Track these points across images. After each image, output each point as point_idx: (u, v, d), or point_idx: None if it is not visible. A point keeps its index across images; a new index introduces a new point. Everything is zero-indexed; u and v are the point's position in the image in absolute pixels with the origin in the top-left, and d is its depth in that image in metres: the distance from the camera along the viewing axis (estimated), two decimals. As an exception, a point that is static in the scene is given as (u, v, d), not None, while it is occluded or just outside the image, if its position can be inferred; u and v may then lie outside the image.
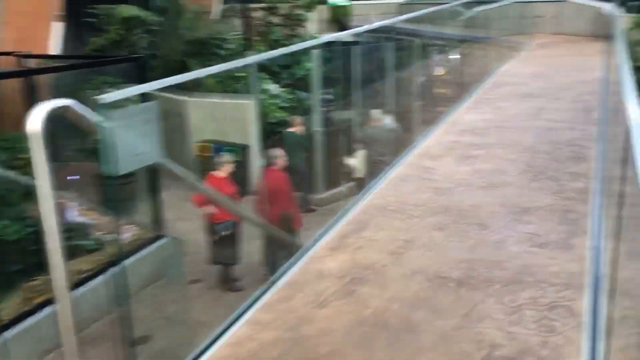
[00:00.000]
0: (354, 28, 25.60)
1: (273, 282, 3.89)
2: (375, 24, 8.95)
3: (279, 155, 7.09)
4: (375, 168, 7.56)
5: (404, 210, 4.94)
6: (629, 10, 14.74)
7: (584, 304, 3.40)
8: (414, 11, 24.27)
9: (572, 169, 5.75)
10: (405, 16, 12.49)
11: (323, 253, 4.27)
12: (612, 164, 5.53)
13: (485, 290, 3.62)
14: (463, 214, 4.80)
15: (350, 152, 10.12)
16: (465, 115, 8.30)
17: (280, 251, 6.09)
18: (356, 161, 9.82)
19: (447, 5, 12.99)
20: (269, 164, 6.97)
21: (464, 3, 13.94)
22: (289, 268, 4.10)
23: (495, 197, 5.15)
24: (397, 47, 12.33)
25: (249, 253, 7.07)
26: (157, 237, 7.24)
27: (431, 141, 7.09)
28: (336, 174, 10.71)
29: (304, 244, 4.58)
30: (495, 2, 17.22)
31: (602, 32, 16.62)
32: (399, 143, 8.11)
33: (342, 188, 10.41)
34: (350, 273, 3.90)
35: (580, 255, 3.99)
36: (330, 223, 4.81)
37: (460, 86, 9.85)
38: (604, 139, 6.59)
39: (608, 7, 16.42)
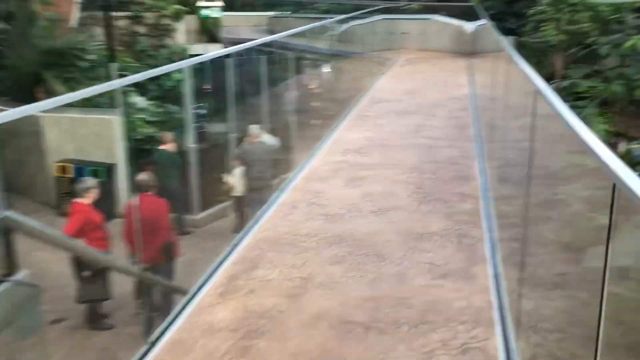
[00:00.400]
0: (224, 39, 25.00)
1: (153, 343, 3.29)
2: (262, 39, 8.54)
3: (151, 179, 6.35)
4: (257, 186, 7.11)
5: (296, 243, 4.55)
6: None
7: (497, 343, 3.22)
8: (284, 24, 24.31)
9: (459, 189, 5.74)
10: (288, 32, 12.12)
11: (211, 300, 3.74)
12: (496, 183, 5.60)
13: (394, 334, 3.32)
14: (359, 244, 4.51)
15: (227, 170, 9.56)
16: (347, 133, 8.14)
17: (159, 298, 5.38)
18: (234, 179, 9.29)
19: (323, 22, 12.94)
20: (141, 189, 6.21)
21: (335, 18, 14.05)
22: (171, 322, 3.51)
23: (388, 222, 4.93)
24: (271, 60, 11.98)
25: (120, 283, 6.25)
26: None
27: (317, 161, 6.80)
28: (213, 193, 10.08)
29: (188, 288, 4.00)
30: (364, 18, 17.68)
31: (463, 49, 17.67)
32: (282, 162, 7.73)
33: (220, 207, 9.80)
34: (244, 324, 3.42)
35: (483, 285, 3.86)
36: (217, 261, 4.28)
37: (339, 102, 9.74)
38: (483, 156, 6.73)
39: (468, 26, 17.52)
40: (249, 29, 26.34)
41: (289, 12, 25.90)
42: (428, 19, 18.83)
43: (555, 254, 4.04)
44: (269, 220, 5.08)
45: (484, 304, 3.65)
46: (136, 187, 6.31)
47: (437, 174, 6.22)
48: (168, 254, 5.87)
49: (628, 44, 6.78)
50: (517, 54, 5.08)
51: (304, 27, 11.86)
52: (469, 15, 18.50)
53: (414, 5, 20.17)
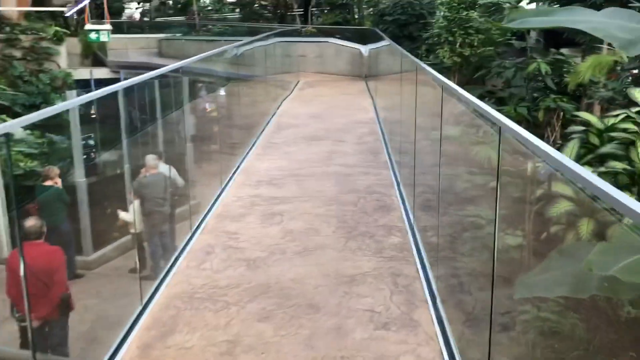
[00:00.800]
0: (111, 62, 23.58)
1: None
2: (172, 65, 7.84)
3: (40, 224, 5.47)
4: (157, 223, 6.44)
5: (216, 297, 3.99)
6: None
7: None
8: (175, 47, 23.38)
9: (383, 220, 5.46)
10: (196, 57, 11.40)
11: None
12: (419, 211, 5.37)
13: (343, 405, 2.89)
14: (287, 293, 4.05)
15: (122, 205, 8.69)
16: (257, 162, 7.67)
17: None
18: (130, 215, 8.45)
19: (227, 46, 12.42)
20: (29, 236, 5.32)
21: (232, 41, 13.55)
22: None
23: (316, 265, 4.52)
24: (165, 84, 11.31)
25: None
26: None
27: (228, 196, 6.26)
28: (106, 231, 9.15)
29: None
30: (262, 41, 17.35)
31: (360, 72, 17.87)
32: (187, 197, 7.09)
33: (115, 246, 8.89)
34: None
35: (429, 334, 3.54)
36: (125, 326, 3.62)
37: (245, 129, 9.24)
38: (399, 182, 6.54)
39: (364, 49, 17.75)
40: (137, 51, 25.09)
41: (180, 35, 25.01)
42: (325, 41, 18.90)
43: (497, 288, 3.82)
44: (180, 271, 4.47)
45: (434, 355, 3.33)
46: (22, 234, 5.40)
47: (357, 205, 5.91)
48: (66, 308, 5.05)
49: (532, 67, 6.96)
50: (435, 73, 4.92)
51: (211, 51, 11.27)
52: (364, 38, 18.80)
53: (310, 28, 20.18)
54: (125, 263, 7.54)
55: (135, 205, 8.42)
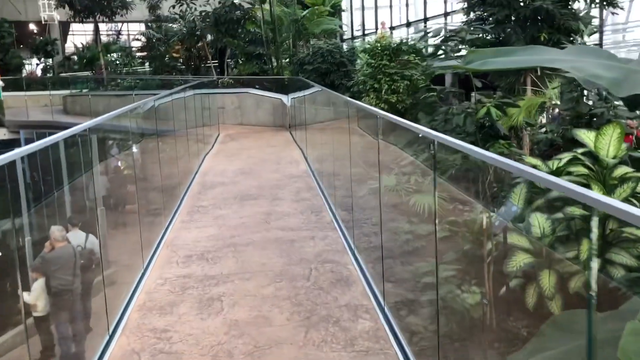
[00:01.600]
0: (9, 121, 21.63)
1: None
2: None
3: None
4: (65, 305, 5.27)
5: None
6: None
7: None
8: (82, 103, 21.82)
9: (344, 298, 4.60)
10: (106, 116, 10.25)
11: None
12: (388, 285, 4.58)
13: None
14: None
15: (24, 285, 7.30)
16: (183, 232, 6.61)
17: None
18: (34, 296, 7.09)
19: (141, 101, 11.40)
20: None
21: (144, 94, 12.51)
22: None
23: (275, 370, 3.56)
24: (72, 143, 10.16)
25: None
26: None
27: (152, 279, 5.17)
28: (6, 315, 7.67)
29: None
30: (179, 93, 16.34)
31: (283, 122, 17.23)
32: (100, 282, 5.90)
33: (15, 333, 7.42)
34: None
35: None
36: None
37: (165, 191, 8.16)
38: (352, 247, 5.73)
39: (286, 98, 17.18)
40: (40, 109, 23.24)
41: (86, 90, 23.46)
42: (244, 92, 18.20)
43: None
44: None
45: None
46: None
47: (310, 279, 5.02)
48: None
49: (482, 111, 6.54)
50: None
51: (122, 108, 10.20)
52: (285, 87, 18.29)
53: (227, 79, 19.45)
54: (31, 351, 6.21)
55: (38, 284, 7.10)
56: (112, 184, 9.29)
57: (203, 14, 20.30)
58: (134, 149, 11.86)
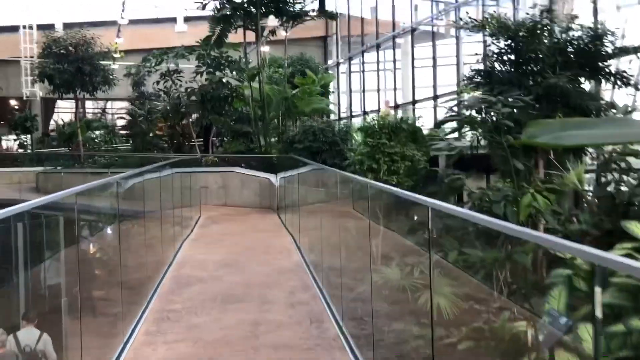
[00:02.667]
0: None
1: None
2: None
3: None
4: None
5: None
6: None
7: None
8: (56, 181, 20.45)
9: None
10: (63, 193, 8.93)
11: None
12: None
13: None
14: None
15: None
16: (146, 350, 5.11)
17: None
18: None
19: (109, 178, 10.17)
20: None
21: (122, 172, 11.22)
22: None
23: None
24: (35, 225, 8.90)
25: None
26: None
27: None
28: None
29: None
30: (157, 171, 15.08)
31: (271, 203, 15.95)
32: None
33: None
34: None
35: None
36: None
37: (129, 289, 6.71)
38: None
39: (273, 178, 16.00)
40: (9, 187, 21.79)
41: (60, 168, 22.14)
42: (229, 171, 17.02)
43: None
44: None
45: None
46: None
47: None
48: None
49: (526, 199, 5.36)
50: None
51: (82, 186, 8.86)
52: (273, 166, 17.19)
53: (212, 157, 18.32)
54: None
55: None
56: (75, 278, 7.78)
57: (189, 90, 19.46)
58: (105, 231, 10.45)
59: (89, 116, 33.37)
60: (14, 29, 32.40)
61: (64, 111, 37.45)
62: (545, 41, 10.42)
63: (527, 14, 10.91)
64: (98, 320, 6.17)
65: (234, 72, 19.39)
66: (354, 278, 6.42)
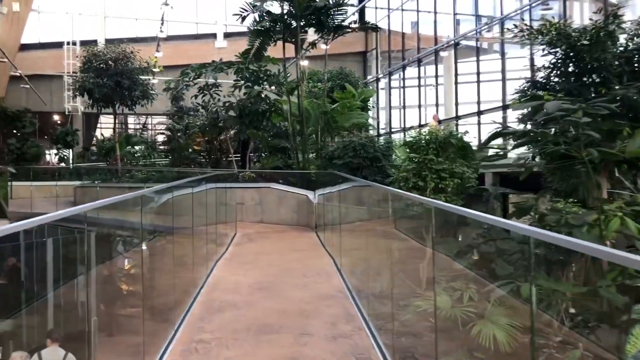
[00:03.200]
0: (12, 213, 20.16)
1: None
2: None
3: None
4: None
5: None
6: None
7: None
8: (93, 195, 20.34)
9: None
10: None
11: None
12: None
13: None
14: None
15: None
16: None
17: None
18: None
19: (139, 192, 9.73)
20: None
21: (146, 189, 10.76)
22: None
23: None
24: (66, 241, 8.64)
25: None
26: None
27: None
28: None
29: None
30: (191, 187, 14.64)
31: (307, 221, 15.32)
32: None
33: None
34: None
35: None
36: None
37: (152, 316, 6.13)
38: None
39: (311, 195, 15.38)
40: (48, 201, 21.81)
41: (97, 182, 22.05)
42: (266, 187, 16.48)
43: None
44: None
45: None
46: None
47: None
48: None
49: (614, 223, 4.57)
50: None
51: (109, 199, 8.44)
52: (311, 182, 16.58)
53: (249, 172, 17.85)
54: None
55: None
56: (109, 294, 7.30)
57: (227, 104, 19.08)
58: (134, 255, 9.98)
59: (131, 132, 33.62)
60: (58, 45, 33.02)
61: (106, 126, 37.91)
62: (610, 49, 9.55)
63: (591, 19, 10.07)
64: (118, 349, 5.59)
65: (273, 87, 18.96)
66: (406, 307, 5.69)
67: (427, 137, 11.31)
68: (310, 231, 14.29)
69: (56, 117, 35.44)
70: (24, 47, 33.72)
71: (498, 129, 13.50)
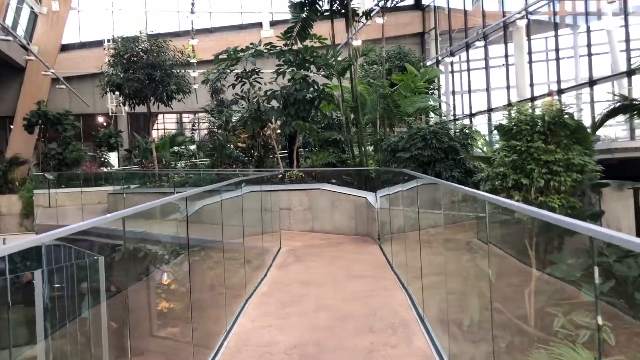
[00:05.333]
0: (39, 225, 18.31)
1: None
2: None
3: None
4: None
5: None
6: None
7: None
8: (126, 202, 18.15)
9: None
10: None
11: None
12: None
13: None
14: None
15: None
16: None
17: None
18: None
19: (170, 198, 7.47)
20: None
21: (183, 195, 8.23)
22: None
23: None
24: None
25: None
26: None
27: None
28: None
29: None
30: (229, 191, 12.05)
31: (367, 230, 12.47)
32: None
33: None
34: None
35: None
36: None
37: None
38: None
39: (371, 197, 12.52)
40: (82, 209, 19.94)
41: (135, 187, 19.91)
42: (316, 188, 13.72)
43: None
44: None
45: None
46: None
47: None
48: None
49: None
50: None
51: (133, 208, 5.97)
52: (371, 181, 13.71)
53: (296, 171, 15.13)
54: None
55: None
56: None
57: (269, 93, 16.38)
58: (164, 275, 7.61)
59: (187, 131, 31.88)
60: (99, 43, 31.56)
61: (168, 127, 36.40)
62: None
63: None
64: None
65: (321, 70, 16.14)
66: None
67: (531, 117, 8.20)
68: (371, 244, 11.44)
69: (100, 119, 34.07)
70: (65, 48, 32.44)
71: (617, 104, 10.17)
